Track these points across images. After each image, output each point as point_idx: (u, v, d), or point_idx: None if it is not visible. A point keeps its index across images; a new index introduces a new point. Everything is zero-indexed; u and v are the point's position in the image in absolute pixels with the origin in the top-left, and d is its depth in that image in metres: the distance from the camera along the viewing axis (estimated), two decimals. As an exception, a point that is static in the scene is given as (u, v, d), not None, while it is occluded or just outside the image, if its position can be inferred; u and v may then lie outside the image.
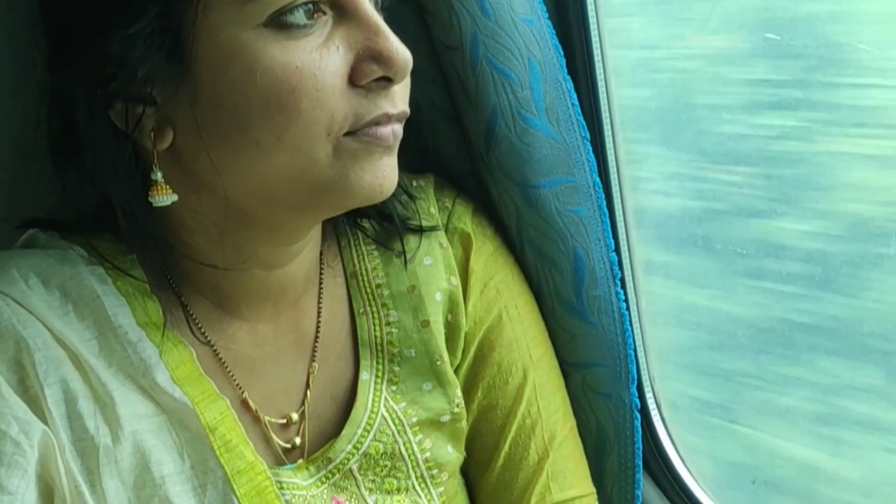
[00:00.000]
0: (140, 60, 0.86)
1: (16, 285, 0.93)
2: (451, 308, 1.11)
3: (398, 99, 0.92)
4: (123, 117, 0.89)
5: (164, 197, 0.91)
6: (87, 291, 0.95)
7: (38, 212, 1.02)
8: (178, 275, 0.99)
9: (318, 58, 0.87)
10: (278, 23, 0.86)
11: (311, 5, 0.86)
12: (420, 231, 1.10)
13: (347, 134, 0.89)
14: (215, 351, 1.01)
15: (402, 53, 0.89)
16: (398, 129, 0.92)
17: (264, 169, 0.89)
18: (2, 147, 1.08)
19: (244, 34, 0.86)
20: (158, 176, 0.91)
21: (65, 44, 0.91)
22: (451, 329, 1.11)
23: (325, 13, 0.88)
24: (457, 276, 1.12)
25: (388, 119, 0.90)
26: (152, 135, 0.89)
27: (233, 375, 1.01)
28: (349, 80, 0.88)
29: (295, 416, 1.04)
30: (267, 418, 1.03)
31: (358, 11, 0.89)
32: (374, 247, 1.10)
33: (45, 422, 0.90)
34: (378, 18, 0.90)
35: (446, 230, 1.13)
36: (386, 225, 1.10)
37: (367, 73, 0.88)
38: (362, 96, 0.89)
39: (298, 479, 1.02)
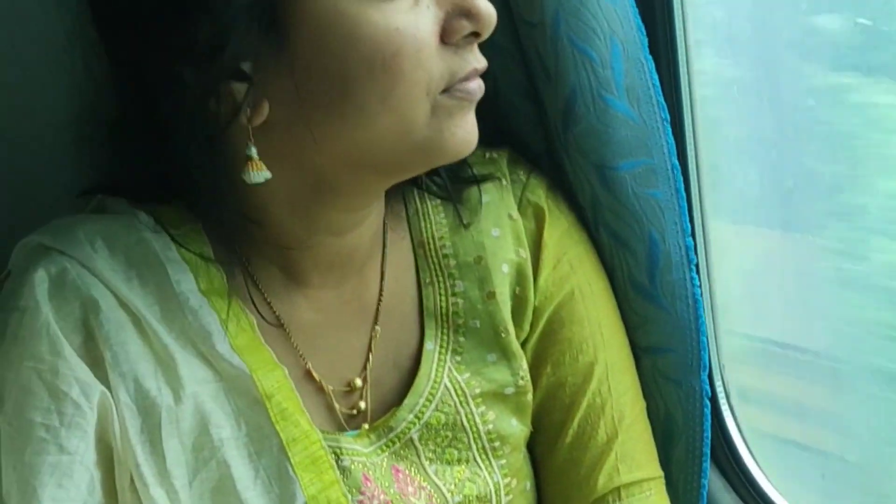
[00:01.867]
0: (239, 37, 0.86)
1: (82, 248, 0.94)
2: (519, 280, 1.10)
3: (479, 54, 0.94)
4: (218, 96, 0.88)
5: (259, 173, 0.91)
6: (152, 257, 0.96)
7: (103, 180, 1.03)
8: (247, 243, 1.00)
9: (415, 18, 0.88)
10: None
11: None
12: (484, 180, 1.11)
13: (443, 92, 0.90)
14: (279, 319, 1.02)
15: (488, 8, 0.91)
16: (482, 83, 0.95)
17: (366, 133, 0.90)
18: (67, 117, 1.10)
19: (342, 0, 0.86)
20: (253, 152, 0.90)
21: (149, 22, 0.90)
22: (519, 302, 1.11)
23: None
24: (526, 248, 1.11)
25: (476, 73, 0.93)
26: (248, 110, 0.89)
27: (295, 344, 1.03)
28: (440, 38, 0.89)
29: (358, 382, 1.05)
30: (329, 386, 1.03)
31: None
32: (442, 216, 1.10)
33: (106, 383, 0.91)
34: None
35: (519, 203, 1.13)
36: (453, 182, 1.10)
37: (458, 30, 0.90)
38: (453, 53, 0.91)
39: (359, 446, 1.03)
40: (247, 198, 0.96)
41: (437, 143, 0.92)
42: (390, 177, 0.98)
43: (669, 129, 1.14)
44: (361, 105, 0.88)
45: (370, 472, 1.02)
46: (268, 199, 0.96)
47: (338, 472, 0.98)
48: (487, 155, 1.14)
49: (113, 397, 0.91)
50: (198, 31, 0.86)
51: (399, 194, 1.10)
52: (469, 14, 0.90)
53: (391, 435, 1.04)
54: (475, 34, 0.92)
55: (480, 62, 0.94)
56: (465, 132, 0.94)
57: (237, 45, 0.86)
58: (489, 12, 0.91)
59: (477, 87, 0.94)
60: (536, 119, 1.19)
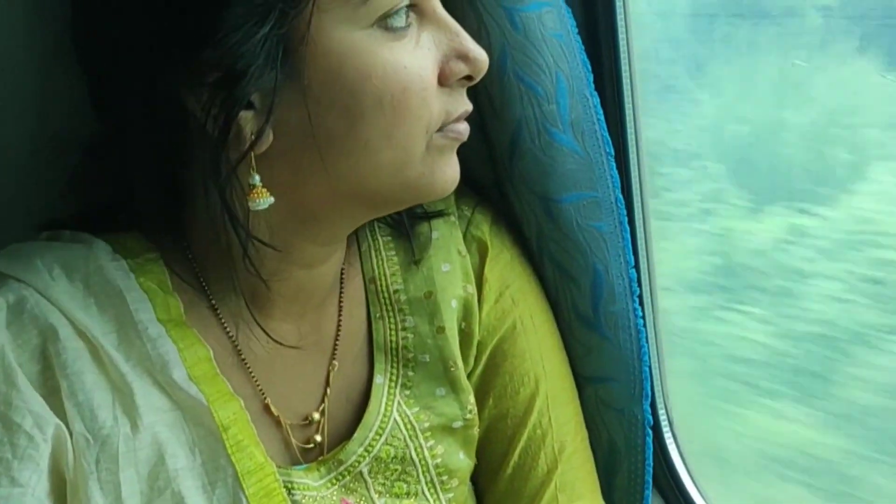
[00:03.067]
0: (254, 69, 0.86)
1: (39, 276, 0.94)
2: (466, 315, 1.12)
3: (466, 98, 0.97)
4: (221, 123, 0.87)
5: (264, 200, 0.90)
6: (110, 285, 0.96)
7: (57, 211, 1.03)
8: (211, 272, 1.00)
9: (420, 58, 0.91)
10: (384, 25, 0.89)
11: (406, 9, 0.90)
12: (435, 216, 1.13)
13: (437, 131, 0.93)
14: (238, 349, 1.02)
15: (482, 53, 0.94)
16: (468, 125, 0.97)
17: (366, 168, 0.91)
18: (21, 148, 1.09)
19: (355, 35, 0.88)
20: (257, 180, 0.90)
21: (152, 49, 0.89)
22: (465, 336, 1.12)
23: (409, 16, 0.91)
24: (473, 283, 1.12)
25: (465, 115, 0.96)
26: (252, 138, 0.89)
27: (253, 375, 1.02)
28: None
29: (316, 416, 1.05)
30: (286, 419, 1.04)
31: (436, 14, 0.93)
32: (393, 252, 1.11)
33: (62, 414, 0.90)
34: (453, 20, 0.94)
35: (465, 238, 1.14)
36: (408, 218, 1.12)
37: (455, 72, 0.93)
38: (447, 94, 0.94)
39: (310, 480, 1.03)
40: (226, 226, 0.95)
41: (428, 181, 0.95)
42: (377, 211, 1.01)
43: (614, 163, 1.16)
44: (367, 139, 0.90)
45: None
46: (249, 228, 0.96)
47: None
48: None
49: (68, 427, 0.91)
50: (211, 61, 0.86)
51: (352, 233, 1.10)
52: (465, 57, 0.93)
53: (341, 468, 1.05)
54: (468, 77, 0.94)
55: (468, 105, 0.97)
56: (453, 171, 0.97)
57: (250, 77, 0.86)
58: (483, 57, 0.94)
59: (465, 128, 0.97)
60: (485, 152, 1.21)
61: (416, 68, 0.90)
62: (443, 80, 0.93)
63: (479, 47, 0.94)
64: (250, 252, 0.93)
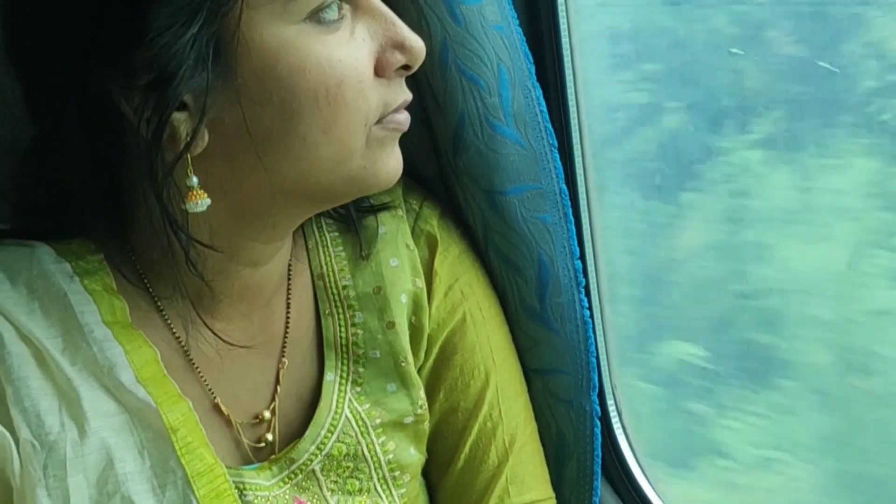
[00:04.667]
0: (186, 69, 0.84)
1: None
2: (415, 310, 1.11)
3: (406, 88, 0.96)
4: (154, 125, 0.86)
5: (202, 202, 0.89)
6: (54, 289, 0.95)
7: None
8: (156, 274, 0.99)
9: (354, 50, 0.90)
10: (316, 19, 0.88)
11: (339, 1, 0.89)
12: (382, 210, 1.12)
13: (376, 123, 0.92)
14: (185, 350, 1.01)
15: (419, 41, 0.93)
16: (408, 115, 0.97)
17: (305, 164, 0.90)
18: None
19: (287, 31, 0.87)
20: (194, 182, 0.89)
21: (83, 52, 0.87)
22: (415, 331, 1.11)
23: (342, 8, 0.90)
24: (422, 277, 1.12)
25: (405, 105, 0.95)
26: (188, 139, 0.87)
27: (202, 375, 1.01)
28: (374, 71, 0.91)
29: (267, 414, 1.04)
30: (236, 419, 1.03)
31: (371, 4, 0.92)
32: (340, 248, 1.10)
33: (7, 419, 0.89)
34: (389, 10, 0.93)
35: (413, 232, 1.14)
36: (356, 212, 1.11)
37: (392, 63, 0.92)
38: (385, 86, 0.93)
39: (262, 480, 1.02)
40: (166, 229, 0.93)
41: (370, 174, 0.94)
42: (320, 206, 1.00)
43: (557, 155, 1.16)
44: (304, 135, 0.89)
45: None
46: (191, 228, 0.94)
47: None
48: None
49: (14, 434, 0.89)
50: (141, 64, 0.84)
51: (300, 227, 1.09)
52: (402, 47, 0.92)
53: (293, 467, 1.04)
54: (406, 67, 0.94)
55: (407, 94, 0.96)
56: (395, 162, 0.96)
57: (181, 77, 0.84)
58: (420, 46, 0.93)
59: (405, 118, 0.96)
60: (430, 145, 1.20)
61: (351, 61, 0.89)
62: (380, 72, 0.92)
63: (416, 35, 0.93)
64: (192, 255, 0.92)
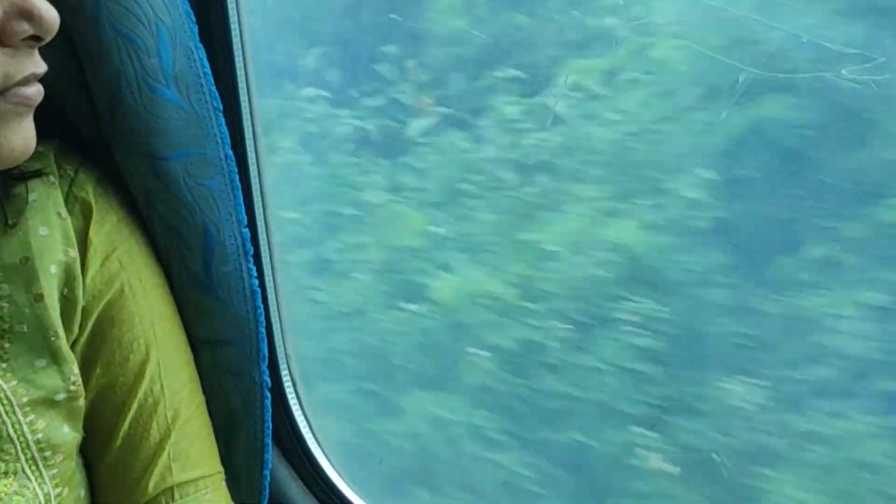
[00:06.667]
0: None
1: None
2: (68, 282, 1.05)
3: (39, 58, 0.89)
4: None
5: None
6: None
7: None
8: None
9: None
10: None
11: None
12: (32, 177, 1.05)
13: None
14: None
15: (50, 11, 0.87)
16: (41, 88, 0.90)
17: None
18: None
19: None
20: None
21: None
22: (67, 303, 1.05)
23: None
24: (75, 247, 1.06)
25: (34, 78, 0.89)
26: None
27: None
28: None
29: None
30: None
31: None
32: None
33: None
34: None
35: (67, 200, 1.07)
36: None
37: (16, 32, 0.85)
38: (10, 56, 0.86)
39: None
40: None
41: None
42: None
43: (223, 119, 1.13)
44: None
45: None
46: None
47: None
48: (35, 149, 1.07)
49: None
50: None
51: None
52: (29, 16, 0.85)
53: None
54: (35, 37, 0.87)
55: (40, 66, 0.90)
56: (22, 138, 0.90)
57: None
58: (51, 16, 0.87)
59: (35, 91, 0.90)
60: (89, 108, 1.14)
61: None
62: (3, 40, 0.85)
63: (48, 4, 0.87)
64: None
